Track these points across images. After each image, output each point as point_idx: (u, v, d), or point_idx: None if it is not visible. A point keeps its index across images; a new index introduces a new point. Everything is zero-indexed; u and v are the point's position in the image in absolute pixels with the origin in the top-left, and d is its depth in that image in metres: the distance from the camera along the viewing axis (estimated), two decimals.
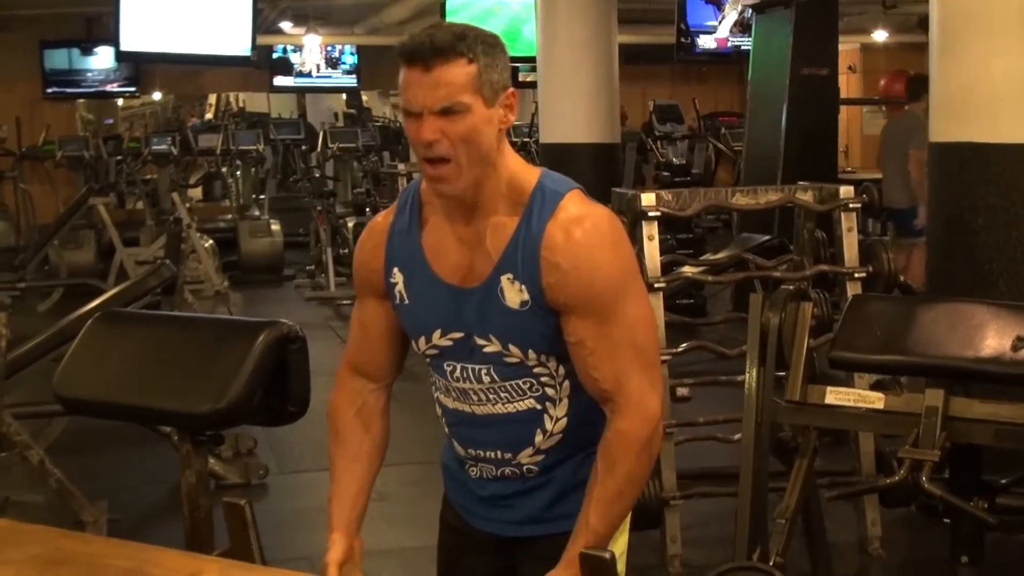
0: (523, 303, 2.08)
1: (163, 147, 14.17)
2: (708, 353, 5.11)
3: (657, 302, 4.49)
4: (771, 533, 3.68)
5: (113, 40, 11.45)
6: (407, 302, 2.20)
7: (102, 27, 14.71)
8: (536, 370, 2.14)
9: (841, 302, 4.72)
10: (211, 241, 11.54)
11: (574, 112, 8.92)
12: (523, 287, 2.07)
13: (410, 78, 2.03)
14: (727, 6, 13.16)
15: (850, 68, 16.70)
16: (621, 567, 2.14)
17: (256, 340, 2.75)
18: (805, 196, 4.96)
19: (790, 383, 3.91)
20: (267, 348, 2.76)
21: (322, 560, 2.27)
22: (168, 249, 9.51)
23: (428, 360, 2.26)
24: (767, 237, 8.14)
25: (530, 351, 2.11)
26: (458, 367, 2.19)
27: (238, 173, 14.55)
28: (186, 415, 2.79)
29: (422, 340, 2.22)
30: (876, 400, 3.87)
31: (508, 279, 2.08)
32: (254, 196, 14.78)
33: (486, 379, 2.16)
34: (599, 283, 2.06)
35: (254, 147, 14.32)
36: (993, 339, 3.77)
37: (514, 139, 15.34)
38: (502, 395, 2.16)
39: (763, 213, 6.81)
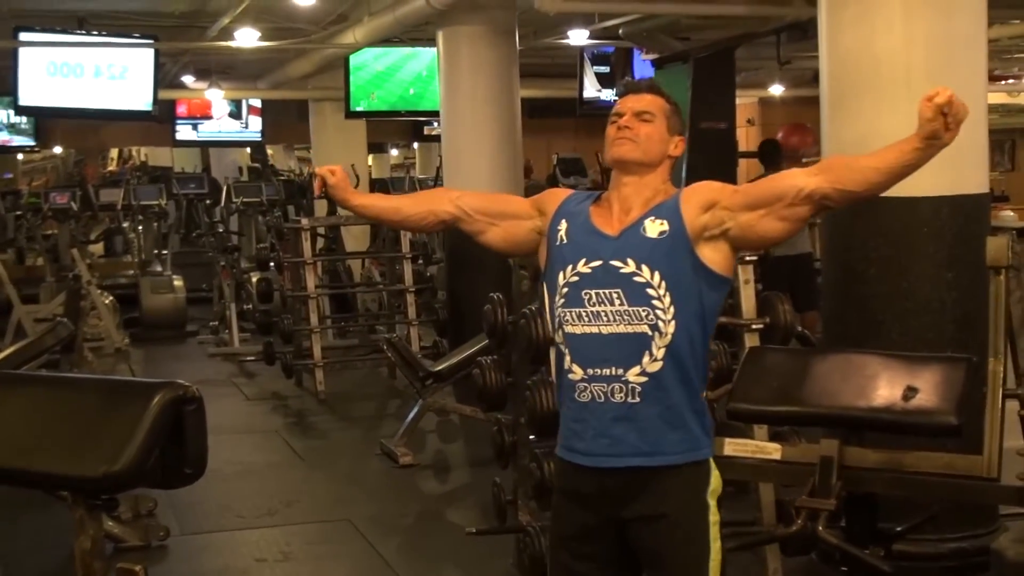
0: (661, 233, 2.81)
1: (63, 202, 13.92)
2: None
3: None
4: None
5: (12, 94, 11.28)
6: (566, 242, 2.90)
7: (0, 81, 14.49)
8: (654, 301, 2.78)
9: (739, 353, 4.79)
10: (111, 297, 11.37)
11: (477, 165, 8.99)
12: (664, 222, 2.82)
13: (625, 99, 2.96)
14: None
15: (749, 121, 17.01)
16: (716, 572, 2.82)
17: (151, 401, 2.72)
18: None
19: None
20: (162, 410, 2.73)
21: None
22: (67, 306, 9.35)
23: (567, 292, 2.85)
24: None
25: (656, 273, 2.78)
26: (593, 293, 2.81)
27: (140, 228, 14.37)
28: (79, 479, 2.75)
29: (569, 268, 2.86)
30: (773, 451, 3.94)
31: (651, 220, 2.84)
32: (156, 251, 14.60)
33: (616, 302, 2.79)
34: (715, 184, 2.94)
35: (156, 202, 14.15)
36: (885, 389, 3.85)
37: None
38: (625, 317, 2.78)
39: None
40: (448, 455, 7.79)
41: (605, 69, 13.35)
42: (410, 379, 7.63)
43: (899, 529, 4.28)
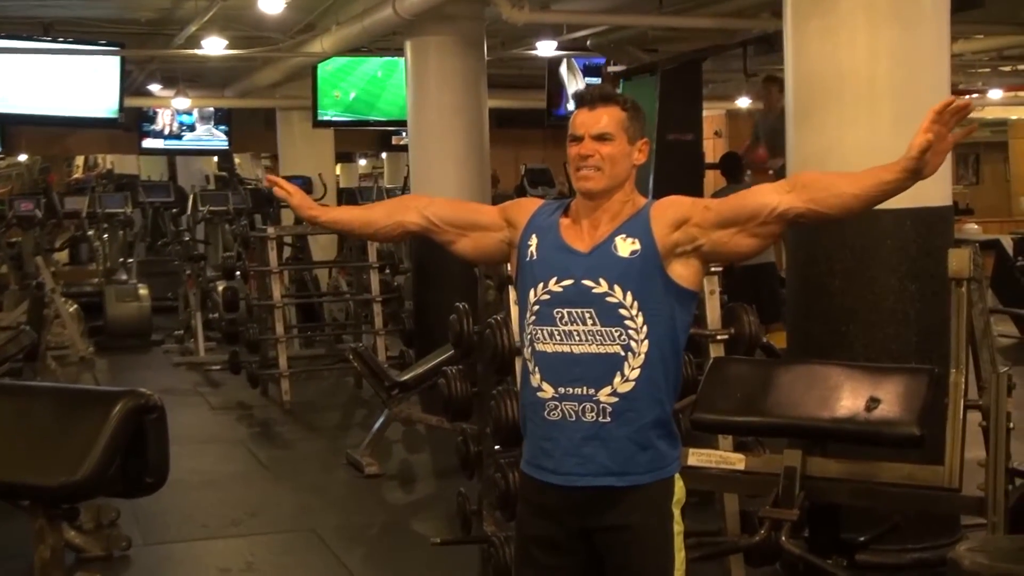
0: (633, 252, 2.79)
1: (28, 210, 13.79)
2: None
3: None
4: None
5: None
6: (536, 258, 2.87)
7: None
8: (627, 322, 2.76)
9: (704, 364, 4.81)
10: (76, 306, 11.30)
11: (444, 175, 8.98)
12: (635, 240, 2.80)
13: (579, 114, 2.89)
14: None
15: (716, 133, 17.09)
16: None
17: (112, 410, 2.71)
18: None
19: None
20: (123, 418, 2.71)
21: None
22: (31, 314, 9.28)
23: (538, 309, 2.82)
24: None
25: (628, 293, 2.76)
26: (565, 312, 2.79)
27: (105, 236, 14.27)
28: (39, 488, 2.73)
29: (540, 286, 2.83)
30: (737, 461, 3.95)
31: (622, 238, 2.81)
32: (122, 260, 14.51)
33: (589, 322, 2.77)
34: (685, 200, 2.90)
35: (122, 210, 14.07)
36: (848, 400, 3.88)
37: None
38: (598, 338, 2.76)
39: None
40: (414, 465, 7.78)
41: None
42: (376, 389, 7.61)
43: (862, 539, 4.30)
